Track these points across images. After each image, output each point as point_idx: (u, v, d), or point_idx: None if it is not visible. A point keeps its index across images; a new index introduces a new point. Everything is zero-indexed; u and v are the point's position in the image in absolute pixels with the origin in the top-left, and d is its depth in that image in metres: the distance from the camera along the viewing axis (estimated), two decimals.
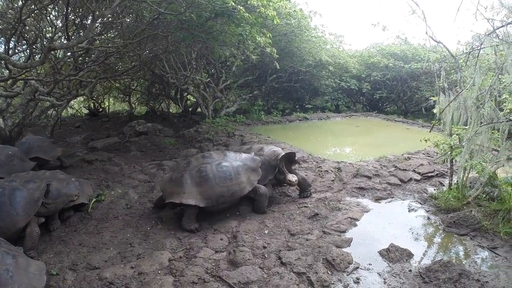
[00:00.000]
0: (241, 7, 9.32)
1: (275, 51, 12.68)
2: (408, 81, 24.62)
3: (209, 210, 7.12)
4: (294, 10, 15.28)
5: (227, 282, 5.06)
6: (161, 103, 23.09)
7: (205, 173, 7.04)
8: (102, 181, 8.81)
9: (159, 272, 5.30)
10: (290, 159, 8.42)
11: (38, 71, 11.83)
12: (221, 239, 6.37)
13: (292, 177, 7.73)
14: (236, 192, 7.17)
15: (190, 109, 21.63)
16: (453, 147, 7.90)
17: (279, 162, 7.94)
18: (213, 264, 5.58)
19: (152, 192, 8.41)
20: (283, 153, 8.09)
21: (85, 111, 23.20)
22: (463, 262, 5.89)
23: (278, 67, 15.51)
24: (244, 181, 7.31)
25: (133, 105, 22.95)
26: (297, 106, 26.34)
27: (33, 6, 7.44)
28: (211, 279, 5.18)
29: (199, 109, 19.82)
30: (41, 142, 9.24)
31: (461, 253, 6.28)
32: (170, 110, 23.19)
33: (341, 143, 16.43)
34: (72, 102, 20.45)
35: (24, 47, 11.19)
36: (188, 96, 21.05)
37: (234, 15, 9.85)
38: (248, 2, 9.37)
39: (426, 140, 8.75)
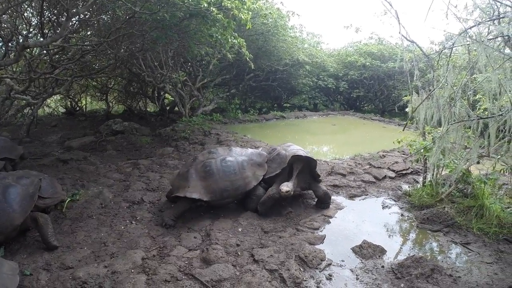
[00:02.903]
0: (214, 9, 9.34)
1: (247, 53, 12.71)
2: (385, 80, 24.93)
3: (214, 204, 7.27)
4: (270, 12, 15.38)
5: (199, 280, 5.09)
6: (138, 102, 22.94)
7: (209, 168, 7.19)
8: (77, 181, 8.75)
9: (132, 271, 5.31)
10: (309, 167, 7.84)
11: (14, 69, 11.73)
12: (195, 237, 6.39)
13: (285, 187, 7.07)
14: (241, 186, 7.30)
15: (167, 108, 21.59)
16: (427, 147, 8.02)
17: (293, 162, 7.60)
18: (186, 262, 5.60)
19: (127, 191, 8.38)
20: (298, 154, 7.57)
21: (62, 110, 22.89)
22: (436, 258, 6.03)
23: (253, 67, 15.54)
24: (249, 176, 7.45)
25: (110, 104, 22.72)
26: (275, 105, 26.46)
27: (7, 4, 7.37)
28: (183, 277, 5.22)
29: (176, 108, 19.76)
30: (4, 143, 9.14)
31: (434, 249, 6.41)
32: (148, 109, 23.08)
33: (318, 141, 16.56)
34: (48, 100, 20.27)
35: None
36: (165, 95, 20.97)
37: (208, 16, 9.87)
38: (222, 4, 9.39)
39: (399, 142, 8.87)
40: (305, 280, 5.30)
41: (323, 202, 7.96)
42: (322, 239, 6.54)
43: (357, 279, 5.42)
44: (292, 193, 7.15)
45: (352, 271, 5.61)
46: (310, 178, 7.94)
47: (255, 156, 7.82)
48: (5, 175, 6.26)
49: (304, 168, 7.75)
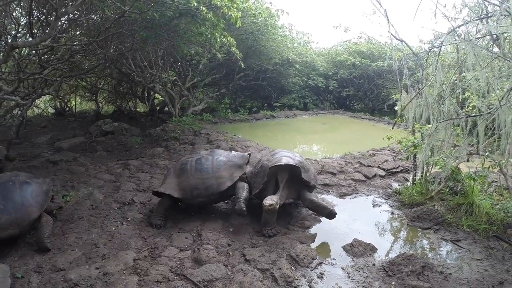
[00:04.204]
0: (203, 8, 9.35)
1: (238, 52, 12.74)
2: (374, 79, 25.02)
3: (187, 203, 7.26)
4: (259, 12, 15.39)
5: (191, 280, 5.09)
6: (128, 102, 22.86)
7: (184, 166, 7.19)
8: (67, 182, 8.70)
9: (124, 272, 5.30)
10: (295, 174, 7.01)
11: (3, 70, 11.65)
12: (186, 238, 6.39)
13: (269, 200, 6.43)
14: (212, 186, 6.99)
15: (157, 108, 21.52)
16: (415, 143, 8.06)
17: (276, 173, 6.98)
18: (178, 262, 5.60)
19: (117, 192, 8.34)
20: (278, 163, 6.82)
21: (52, 110, 22.76)
22: (427, 255, 6.08)
23: (243, 67, 15.59)
24: (224, 176, 7.11)
25: (100, 104, 22.66)
26: (265, 104, 26.43)
27: None
28: (175, 277, 5.22)
29: (166, 108, 19.74)
30: None
31: (425, 246, 6.45)
32: (138, 109, 23.02)
33: (308, 140, 16.61)
34: (38, 101, 20.13)
35: None
36: (155, 95, 20.91)
37: (197, 15, 9.87)
38: (212, 2, 9.39)
39: (388, 138, 8.91)
40: (297, 279, 5.31)
41: (314, 210, 7.30)
42: (313, 238, 6.57)
43: (349, 277, 5.44)
44: (277, 206, 6.45)
45: (344, 270, 5.63)
46: (301, 185, 7.19)
47: (236, 158, 7.48)
48: (16, 173, 6.42)
49: (291, 177, 7.04)
